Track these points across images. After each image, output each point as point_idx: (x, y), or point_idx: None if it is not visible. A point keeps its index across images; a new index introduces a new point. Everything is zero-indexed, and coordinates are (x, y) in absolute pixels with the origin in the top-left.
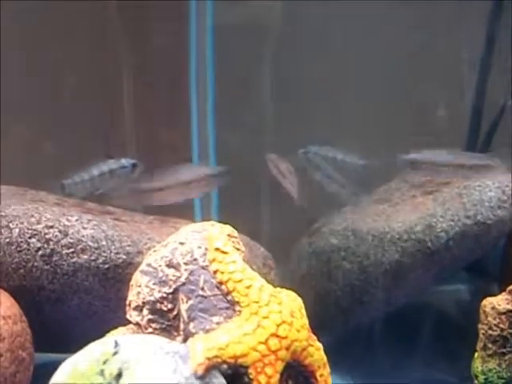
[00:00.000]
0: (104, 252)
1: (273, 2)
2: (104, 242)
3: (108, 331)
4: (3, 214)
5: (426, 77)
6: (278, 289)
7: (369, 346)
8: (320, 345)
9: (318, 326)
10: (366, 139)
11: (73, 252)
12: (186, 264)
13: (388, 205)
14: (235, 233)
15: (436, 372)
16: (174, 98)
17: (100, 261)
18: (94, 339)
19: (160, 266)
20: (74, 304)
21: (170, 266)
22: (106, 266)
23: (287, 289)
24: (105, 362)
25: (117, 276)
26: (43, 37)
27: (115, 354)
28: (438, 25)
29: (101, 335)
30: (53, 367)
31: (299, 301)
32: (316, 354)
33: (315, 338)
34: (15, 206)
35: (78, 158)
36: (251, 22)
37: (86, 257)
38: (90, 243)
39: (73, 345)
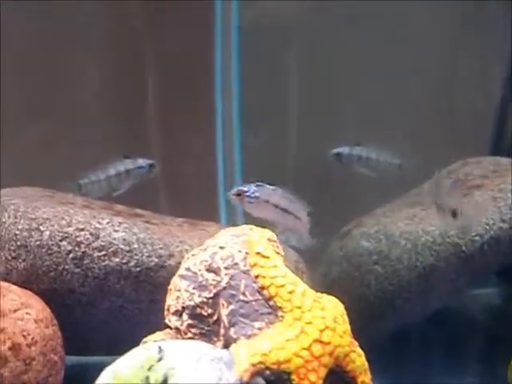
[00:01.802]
0: (136, 255)
1: (299, 1)
2: (136, 245)
3: (140, 335)
4: (33, 216)
5: (455, 79)
6: (320, 294)
7: (402, 352)
8: (361, 351)
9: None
10: (395, 139)
11: (104, 255)
12: (226, 268)
13: (420, 208)
14: (274, 237)
15: (470, 378)
16: (198, 99)
17: (132, 264)
18: (124, 342)
19: (200, 270)
20: (104, 307)
21: (210, 270)
22: (138, 269)
23: (328, 294)
24: (149, 369)
25: (149, 279)
26: (63, 36)
27: (160, 360)
28: (467, 30)
29: (132, 338)
30: (83, 370)
31: (341, 306)
32: (358, 360)
33: (357, 343)
34: (45, 208)
35: (96, 158)
36: (277, 22)
37: (117, 260)
38: (122, 246)
39: (103, 347)
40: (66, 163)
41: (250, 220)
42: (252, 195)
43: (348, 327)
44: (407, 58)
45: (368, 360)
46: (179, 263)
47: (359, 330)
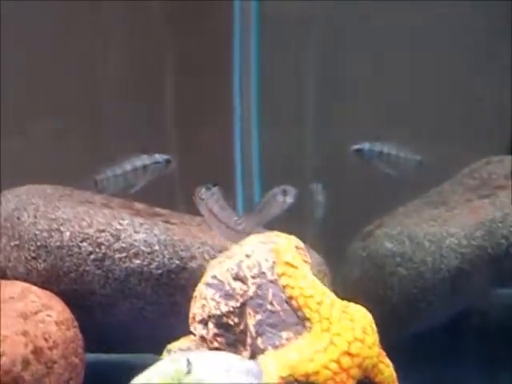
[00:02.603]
0: (157, 257)
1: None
2: (157, 247)
3: (161, 336)
4: (53, 216)
5: (476, 74)
6: (347, 303)
7: (426, 355)
8: (389, 362)
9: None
10: (414, 136)
11: (125, 257)
12: (253, 277)
13: (444, 208)
14: (301, 244)
15: (496, 382)
16: (216, 94)
17: (153, 266)
18: (144, 342)
19: (226, 278)
20: (125, 308)
21: (236, 279)
22: (159, 271)
23: (354, 302)
24: (179, 381)
25: (170, 281)
26: (83, 33)
27: (188, 372)
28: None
29: (152, 338)
30: (102, 368)
31: (370, 316)
32: (386, 370)
33: (385, 354)
34: (65, 208)
35: (114, 153)
36: (296, 19)
37: (138, 262)
38: (143, 248)
39: (122, 346)
40: (82, 158)
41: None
42: (201, 197)
43: (377, 338)
44: (426, 54)
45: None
46: (201, 265)
47: (381, 333)
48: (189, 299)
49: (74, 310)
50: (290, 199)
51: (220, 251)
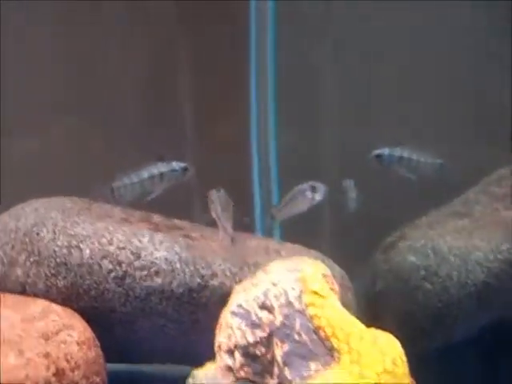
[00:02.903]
0: (178, 275)
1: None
2: (178, 265)
3: (182, 352)
4: (72, 232)
5: (495, 78)
6: (376, 332)
7: (450, 371)
8: None
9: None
10: (433, 138)
11: (146, 275)
12: (280, 307)
13: (468, 220)
14: (328, 270)
15: None
16: (232, 93)
17: (174, 284)
18: (164, 355)
19: (252, 307)
20: (146, 326)
21: (263, 308)
22: (181, 289)
23: (381, 328)
24: None
25: (191, 300)
26: (100, 36)
27: None
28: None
29: (172, 353)
30: (122, 378)
31: (399, 346)
32: None
33: (415, 382)
34: (84, 224)
35: (131, 155)
36: (314, 19)
37: (159, 280)
38: (164, 266)
39: (142, 359)
40: (98, 160)
41: (287, 229)
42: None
43: (407, 369)
44: (445, 58)
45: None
46: (222, 283)
47: (405, 347)
48: (210, 316)
49: (95, 327)
50: (319, 196)
51: (241, 268)
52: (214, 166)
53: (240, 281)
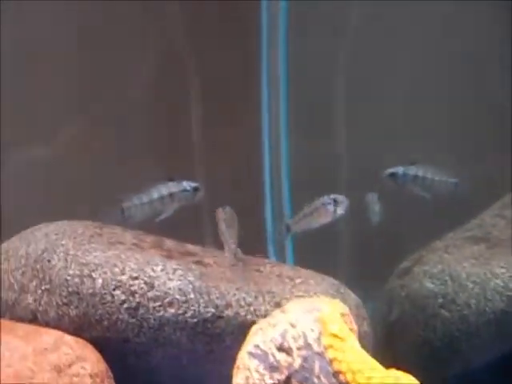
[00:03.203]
0: (192, 306)
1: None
2: (192, 295)
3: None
4: (84, 261)
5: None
6: (395, 374)
7: None
8: None
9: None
10: (445, 151)
11: (160, 305)
12: (298, 349)
13: (486, 245)
14: (347, 309)
15: None
16: (244, 104)
17: (188, 315)
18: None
19: (270, 349)
20: (159, 356)
21: (281, 350)
22: (195, 320)
23: (402, 369)
24: None
25: (205, 330)
26: (110, 46)
27: None
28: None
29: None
30: None
31: None
32: None
33: None
34: (96, 252)
35: (138, 165)
36: (326, 23)
37: (173, 311)
38: (178, 296)
39: None
40: (106, 171)
41: (300, 253)
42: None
43: None
44: (460, 67)
45: None
46: (237, 313)
47: (422, 376)
48: (225, 347)
49: (108, 358)
50: (341, 210)
51: (255, 297)
52: (224, 180)
53: (255, 311)
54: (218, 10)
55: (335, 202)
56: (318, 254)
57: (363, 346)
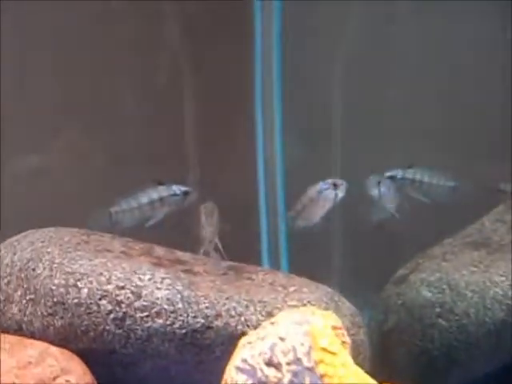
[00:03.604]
0: (180, 316)
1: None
2: (180, 305)
3: None
4: (70, 270)
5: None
6: None
7: None
8: None
9: None
10: (445, 153)
11: (147, 316)
12: (288, 364)
13: (486, 251)
14: (339, 322)
15: None
16: (237, 109)
17: (176, 325)
18: None
19: (258, 363)
20: (147, 367)
21: (269, 364)
22: (183, 330)
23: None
24: None
25: (194, 341)
26: (103, 51)
27: None
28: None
29: None
30: None
31: None
32: None
33: None
34: (82, 260)
35: (132, 173)
36: (320, 29)
37: (161, 321)
38: (166, 306)
39: None
40: (99, 178)
41: (294, 259)
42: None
43: None
44: (460, 69)
45: None
46: (227, 323)
47: None
48: (215, 358)
49: (94, 369)
50: (341, 193)
51: (246, 307)
52: (218, 185)
53: (246, 321)
54: (212, 11)
55: (334, 186)
56: (312, 261)
57: (359, 356)
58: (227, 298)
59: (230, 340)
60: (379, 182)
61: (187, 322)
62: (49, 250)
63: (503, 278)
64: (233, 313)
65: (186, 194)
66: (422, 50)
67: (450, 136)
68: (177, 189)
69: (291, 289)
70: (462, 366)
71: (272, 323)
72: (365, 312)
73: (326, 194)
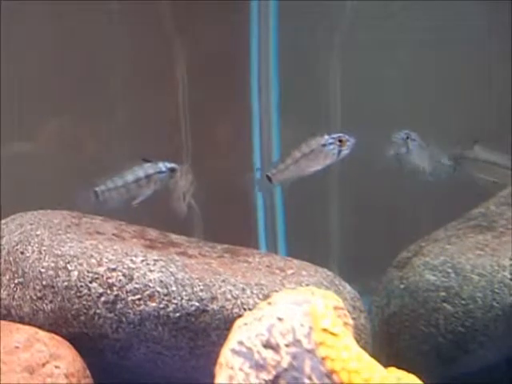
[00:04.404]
0: (174, 299)
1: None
2: (174, 288)
3: (179, 377)
4: (59, 252)
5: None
6: (395, 372)
7: None
8: None
9: (413, 373)
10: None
11: (139, 299)
12: (287, 346)
13: (491, 235)
14: (341, 302)
15: None
16: (233, 93)
17: (170, 309)
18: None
19: (255, 345)
20: (141, 353)
21: (267, 346)
22: (177, 314)
23: (402, 368)
24: None
25: (189, 325)
26: (93, 35)
27: None
28: None
29: (169, 380)
30: None
31: None
32: None
33: None
34: (72, 242)
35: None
36: (317, 16)
37: (154, 304)
38: (159, 289)
39: None
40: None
41: (291, 242)
42: None
43: None
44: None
45: None
46: (223, 307)
47: (424, 374)
48: (210, 342)
49: (85, 354)
50: (346, 150)
51: (243, 289)
52: (213, 171)
53: (242, 304)
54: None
55: (340, 141)
56: (312, 245)
57: (360, 341)
58: (223, 281)
59: (226, 324)
60: (407, 138)
61: (181, 305)
62: (38, 232)
63: (511, 262)
64: (229, 296)
65: (172, 170)
66: (422, 36)
67: (449, 124)
68: (163, 166)
69: (289, 271)
70: (469, 352)
71: (269, 303)
72: (365, 297)
73: (330, 149)
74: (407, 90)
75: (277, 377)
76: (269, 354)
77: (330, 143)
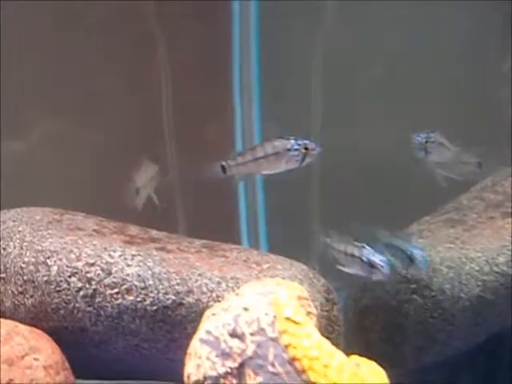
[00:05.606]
0: (151, 292)
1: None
2: (151, 281)
3: (157, 369)
4: (40, 248)
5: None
6: (356, 360)
7: None
8: None
9: (384, 364)
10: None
11: (117, 293)
12: (252, 334)
13: (462, 228)
14: (305, 292)
15: None
16: (216, 93)
17: (147, 302)
18: (138, 374)
19: (222, 334)
20: (119, 346)
21: (233, 335)
22: (154, 307)
23: (368, 348)
24: None
25: (166, 318)
26: (79, 35)
27: None
28: None
29: (147, 370)
30: None
31: (383, 376)
32: None
33: None
34: (52, 238)
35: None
36: (299, 15)
37: (131, 298)
38: (136, 283)
39: (115, 377)
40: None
41: (273, 236)
42: None
43: None
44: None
45: None
46: (198, 300)
47: (395, 364)
48: (187, 335)
49: (65, 347)
50: (310, 158)
51: (218, 283)
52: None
53: (217, 297)
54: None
55: (305, 148)
56: (294, 242)
57: (333, 333)
58: (199, 275)
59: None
60: (426, 142)
61: (158, 298)
62: (20, 228)
63: (479, 254)
64: (204, 289)
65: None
66: (407, 35)
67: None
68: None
69: (265, 266)
70: (438, 342)
71: (237, 294)
72: (344, 292)
73: (294, 155)
74: (392, 89)
75: (242, 364)
76: (235, 343)
77: (296, 149)
